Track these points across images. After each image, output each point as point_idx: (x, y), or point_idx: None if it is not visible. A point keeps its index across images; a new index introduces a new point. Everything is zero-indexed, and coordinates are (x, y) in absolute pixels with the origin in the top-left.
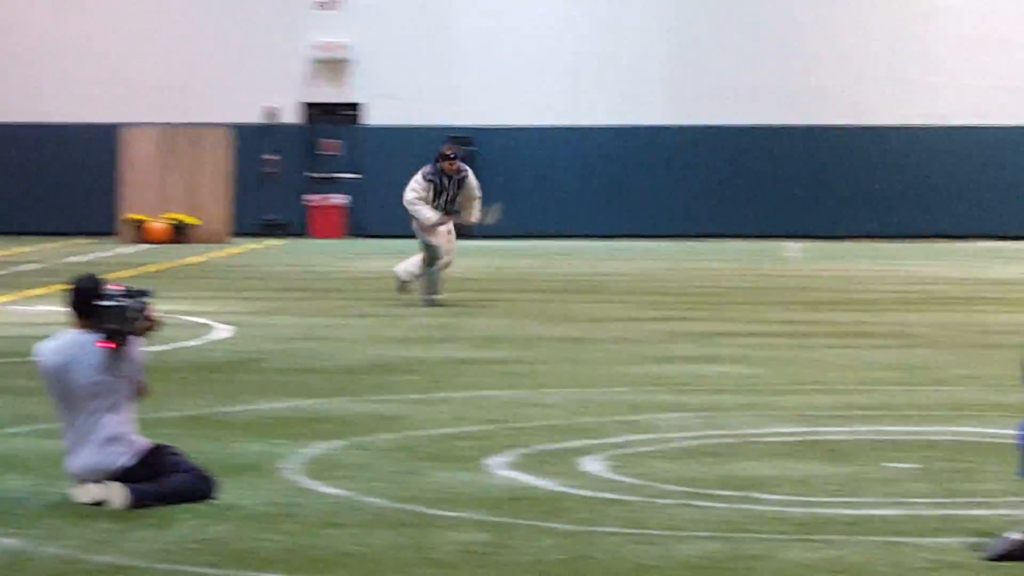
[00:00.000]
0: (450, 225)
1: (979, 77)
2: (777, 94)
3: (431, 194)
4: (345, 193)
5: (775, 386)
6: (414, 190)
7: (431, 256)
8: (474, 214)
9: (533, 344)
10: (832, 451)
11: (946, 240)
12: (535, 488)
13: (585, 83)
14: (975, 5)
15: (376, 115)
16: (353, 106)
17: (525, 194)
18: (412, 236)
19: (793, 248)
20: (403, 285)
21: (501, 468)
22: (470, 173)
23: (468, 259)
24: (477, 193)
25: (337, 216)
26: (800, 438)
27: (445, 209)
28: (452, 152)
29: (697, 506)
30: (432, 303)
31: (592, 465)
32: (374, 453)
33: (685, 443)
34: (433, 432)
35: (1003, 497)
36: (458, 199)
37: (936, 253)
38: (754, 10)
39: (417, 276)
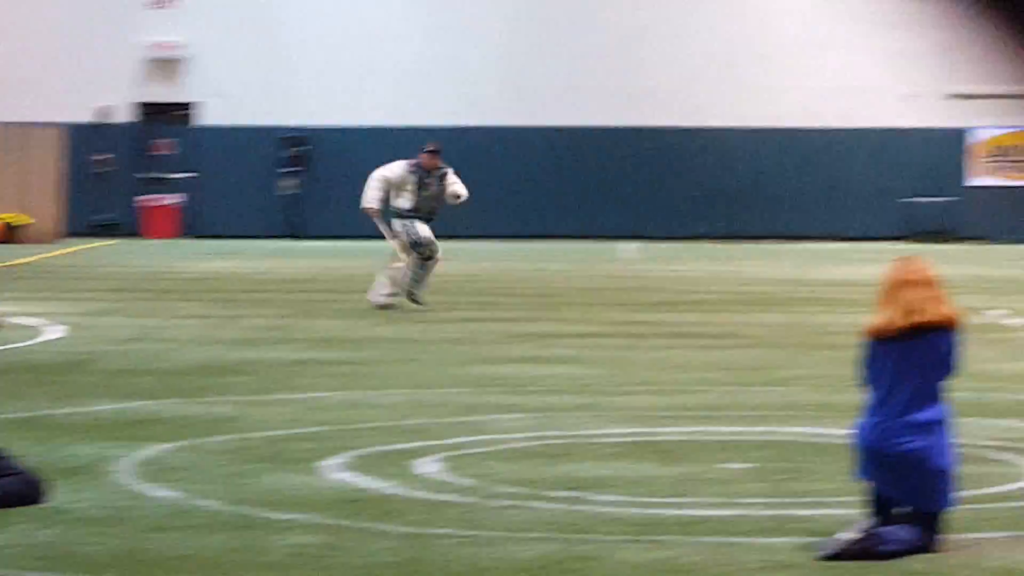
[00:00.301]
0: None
1: (813, 79)
2: (613, 95)
3: (410, 186)
4: (179, 193)
5: (610, 387)
6: (387, 168)
7: (427, 254)
8: (459, 189)
9: (368, 345)
10: (666, 452)
11: (780, 241)
12: (369, 490)
13: (419, 83)
14: (808, 7)
15: (210, 115)
16: (186, 106)
17: (359, 194)
18: (247, 236)
19: (628, 249)
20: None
21: (335, 470)
22: (451, 171)
23: (303, 260)
24: (456, 187)
25: (170, 216)
26: (635, 439)
27: (429, 207)
28: (437, 148)
29: (532, 507)
30: (417, 300)
31: (427, 466)
32: (207, 455)
33: (520, 444)
34: (267, 434)
35: (836, 497)
36: (441, 197)
37: (770, 254)
38: (590, 12)
39: (394, 293)
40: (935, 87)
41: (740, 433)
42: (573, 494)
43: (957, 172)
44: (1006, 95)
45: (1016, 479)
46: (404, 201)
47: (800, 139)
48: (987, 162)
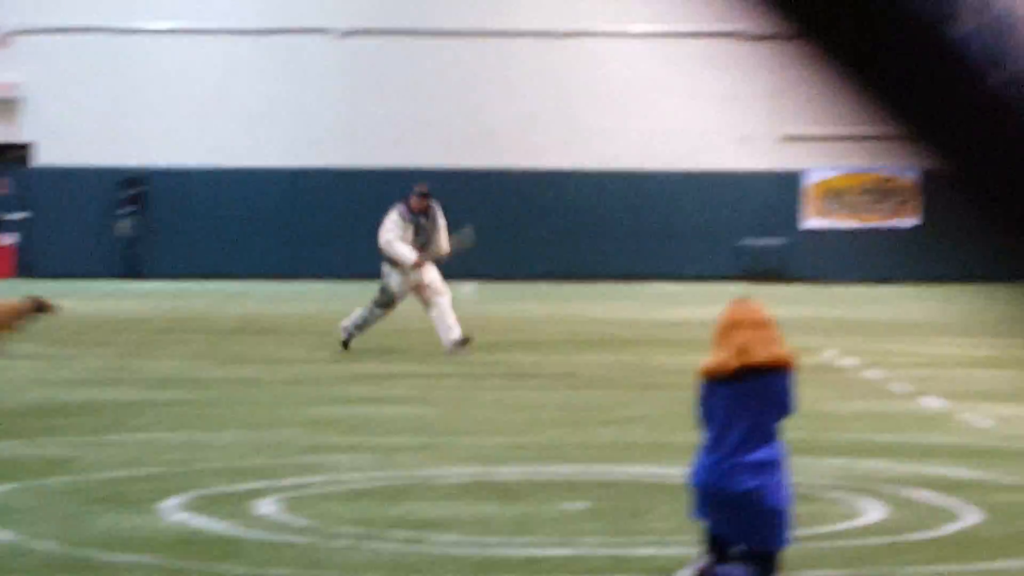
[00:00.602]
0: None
1: (649, 122)
2: (450, 137)
3: (411, 233)
4: (13, 233)
5: (449, 427)
6: (390, 230)
7: (386, 300)
8: (444, 246)
9: (207, 385)
10: (505, 491)
11: (618, 281)
12: (208, 531)
13: (258, 125)
14: (643, 51)
15: (46, 155)
16: (23, 146)
17: (198, 234)
18: (84, 276)
19: (467, 289)
20: (349, 339)
21: (174, 511)
22: (437, 207)
23: (140, 301)
24: (442, 223)
25: (5, 256)
26: (474, 479)
27: (424, 248)
28: (426, 191)
29: (371, 548)
30: (349, 337)
31: (266, 507)
32: (44, 497)
33: (359, 484)
34: (105, 475)
35: (673, 536)
36: (437, 235)
37: (608, 294)
38: (428, 55)
39: (363, 324)
40: (769, 130)
41: (579, 473)
42: (413, 534)
43: (791, 214)
44: (839, 137)
45: (850, 517)
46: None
47: (637, 181)
48: (821, 204)
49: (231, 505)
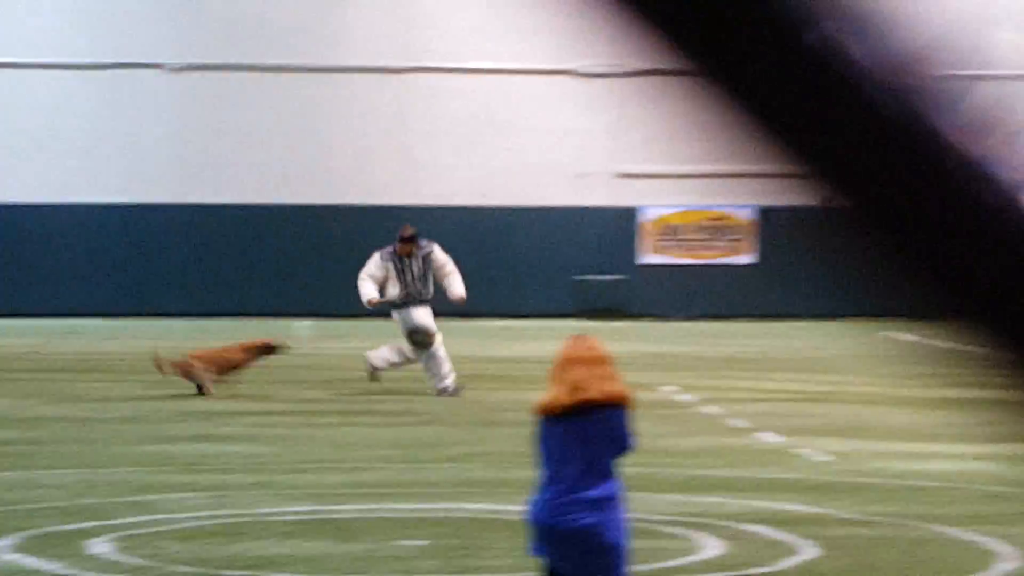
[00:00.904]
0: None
1: (486, 157)
2: (288, 173)
3: (391, 274)
4: None
5: (286, 464)
6: (365, 268)
7: (422, 341)
8: (456, 289)
9: (38, 424)
10: (343, 529)
11: (456, 318)
12: (41, 571)
13: (89, 160)
14: (480, 87)
15: None
16: None
17: (28, 271)
18: None
19: (303, 326)
20: (375, 372)
21: (6, 551)
22: (435, 248)
23: None
24: (450, 267)
25: None
26: (311, 516)
27: (413, 289)
28: (406, 234)
29: None
30: (447, 391)
31: (99, 547)
32: None
33: (194, 523)
34: None
35: (511, 573)
36: (428, 276)
37: (444, 330)
38: (264, 89)
39: (397, 364)
40: (606, 166)
41: (416, 510)
42: (248, 573)
43: (629, 250)
44: (675, 175)
45: (689, 553)
46: (393, 289)
47: (473, 217)
48: (657, 240)
49: (64, 545)
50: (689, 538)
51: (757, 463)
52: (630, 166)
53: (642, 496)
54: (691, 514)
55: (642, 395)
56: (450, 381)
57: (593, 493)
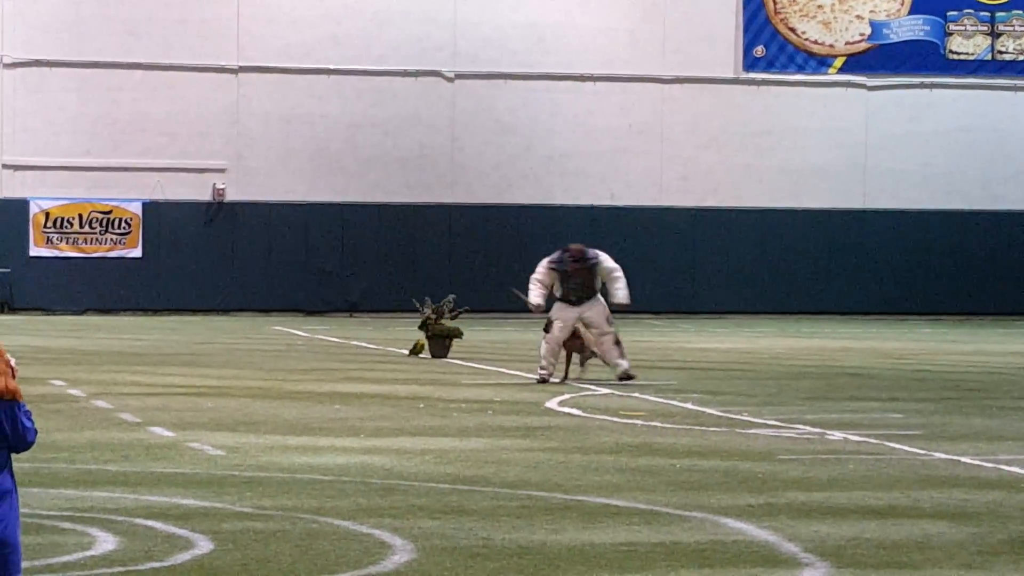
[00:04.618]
0: (579, 312)
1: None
2: None
3: (556, 280)
4: None
5: None
6: (536, 273)
7: (546, 328)
8: (619, 296)
9: None
10: None
11: None
12: None
13: None
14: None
15: None
16: None
17: None
18: None
19: None
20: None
21: None
22: (600, 257)
23: None
24: (616, 274)
25: None
26: None
27: (573, 297)
28: (573, 254)
29: None
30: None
31: None
32: None
33: None
34: None
35: None
36: (595, 284)
37: None
38: None
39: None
40: None
41: None
42: None
43: (18, 242)
44: (61, 167)
45: (83, 548)
46: (557, 291)
47: None
48: (45, 232)
49: None
50: (83, 533)
51: (149, 457)
52: (18, 157)
53: (35, 491)
54: (85, 509)
55: (31, 389)
56: (622, 367)
57: None
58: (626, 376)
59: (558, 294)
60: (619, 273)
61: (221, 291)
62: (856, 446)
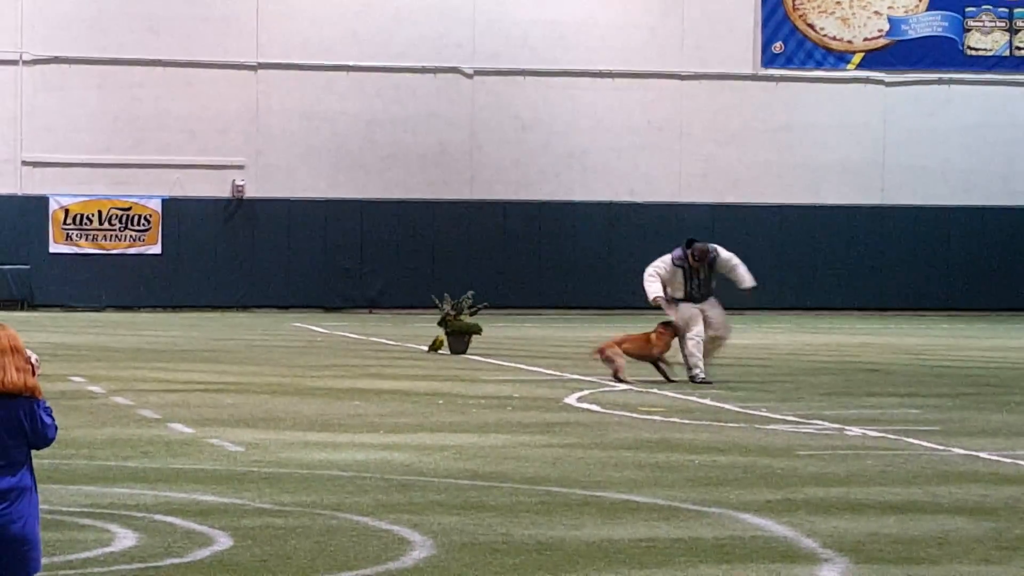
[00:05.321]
0: (703, 305)
1: None
2: None
3: (678, 279)
4: None
5: None
6: (656, 267)
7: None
8: (746, 280)
9: None
10: None
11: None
12: None
13: None
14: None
15: None
16: None
17: None
18: None
19: None
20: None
21: None
22: (719, 252)
23: None
24: (733, 262)
25: None
26: None
27: (696, 293)
28: (697, 253)
29: None
30: (695, 379)
31: None
32: None
33: None
34: None
35: None
36: (712, 281)
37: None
38: None
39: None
40: (12, 154)
41: None
42: None
43: (38, 239)
44: (81, 164)
45: (103, 544)
46: (677, 292)
47: None
48: (65, 229)
49: None
50: (103, 529)
51: (169, 454)
52: (37, 154)
53: (54, 487)
54: (104, 505)
55: (51, 386)
56: (697, 371)
57: (2, 484)
58: (704, 381)
59: (679, 294)
60: (736, 260)
61: (240, 288)
62: (874, 442)
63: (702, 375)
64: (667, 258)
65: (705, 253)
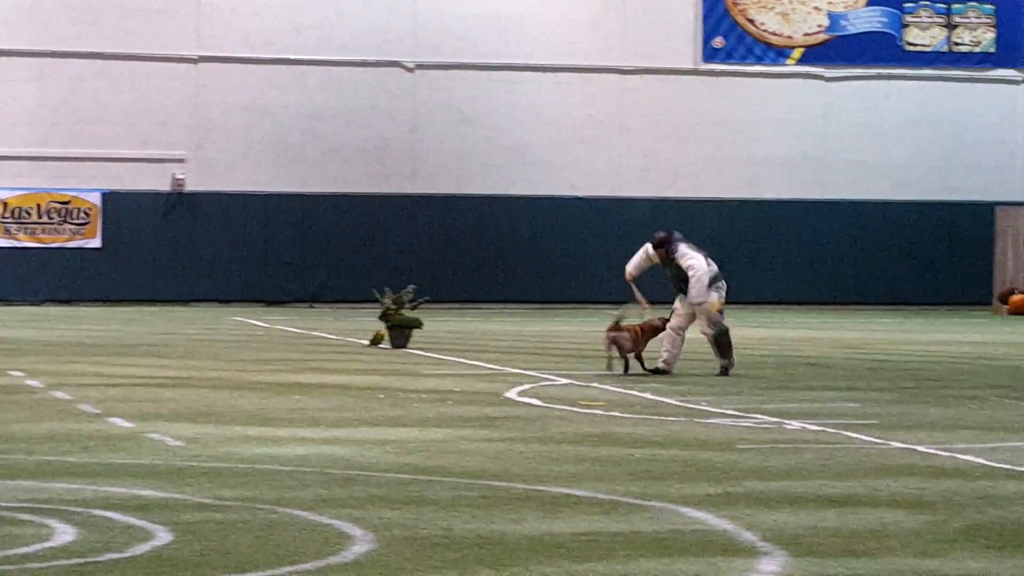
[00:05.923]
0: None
1: None
2: None
3: (659, 268)
4: None
5: None
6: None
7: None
8: (690, 294)
9: None
10: None
11: None
12: None
13: None
14: None
15: None
16: None
17: None
18: None
19: None
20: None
21: None
22: (679, 248)
23: None
24: (689, 271)
25: None
26: None
27: (676, 285)
28: (655, 240)
29: None
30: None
31: None
32: None
33: None
34: None
35: None
36: (682, 274)
37: None
38: None
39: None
40: None
41: None
42: None
43: None
44: (19, 157)
45: (42, 539)
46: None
47: None
48: (3, 223)
49: None
50: (41, 524)
51: (108, 448)
52: None
53: None
54: (43, 500)
55: None
56: (661, 362)
57: None
58: (664, 372)
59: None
60: (695, 271)
61: (181, 282)
62: (814, 435)
63: (661, 365)
64: (648, 246)
65: (662, 241)
